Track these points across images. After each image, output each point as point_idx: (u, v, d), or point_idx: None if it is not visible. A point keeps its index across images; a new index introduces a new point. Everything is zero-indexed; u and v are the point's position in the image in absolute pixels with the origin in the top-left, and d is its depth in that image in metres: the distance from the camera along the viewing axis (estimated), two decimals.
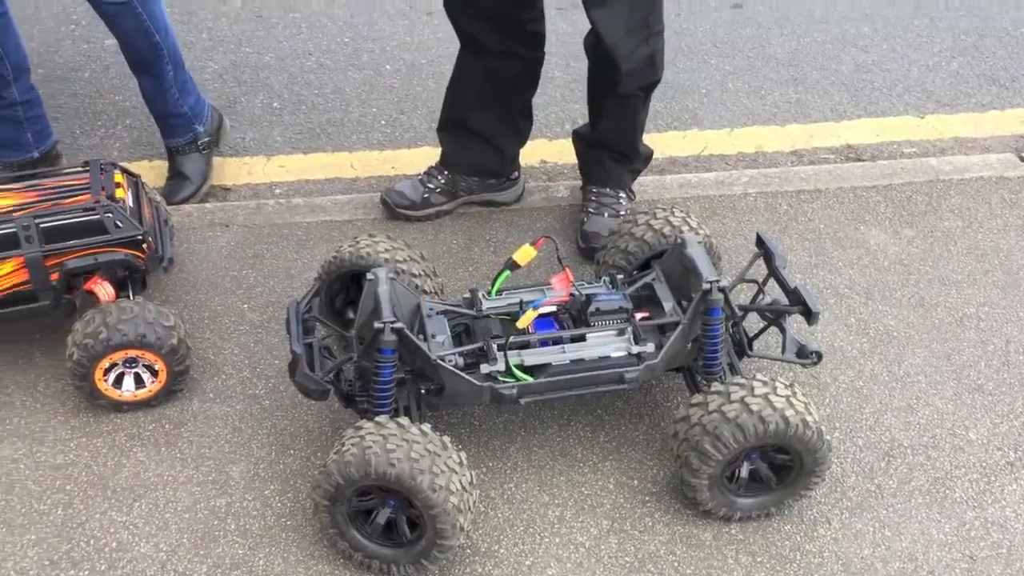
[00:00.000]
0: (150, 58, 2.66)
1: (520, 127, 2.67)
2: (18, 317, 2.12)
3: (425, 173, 2.72)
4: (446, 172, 2.70)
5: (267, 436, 2.11)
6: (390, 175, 3.03)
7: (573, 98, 3.33)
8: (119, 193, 2.13)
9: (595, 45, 2.40)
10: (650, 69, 2.44)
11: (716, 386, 1.87)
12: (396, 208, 2.67)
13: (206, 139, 2.89)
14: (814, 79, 3.47)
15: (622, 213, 2.61)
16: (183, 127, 2.83)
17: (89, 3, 2.59)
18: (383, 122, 3.26)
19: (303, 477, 2.02)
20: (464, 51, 2.55)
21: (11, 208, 2.06)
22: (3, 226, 2.02)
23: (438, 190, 2.69)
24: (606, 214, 2.59)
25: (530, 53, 2.52)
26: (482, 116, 2.60)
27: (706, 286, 1.89)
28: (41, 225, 2.03)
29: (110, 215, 2.07)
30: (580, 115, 2.72)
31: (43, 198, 2.10)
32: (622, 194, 2.64)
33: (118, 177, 2.18)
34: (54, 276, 2.06)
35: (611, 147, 2.60)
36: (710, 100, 3.37)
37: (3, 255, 2.02)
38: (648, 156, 2.68)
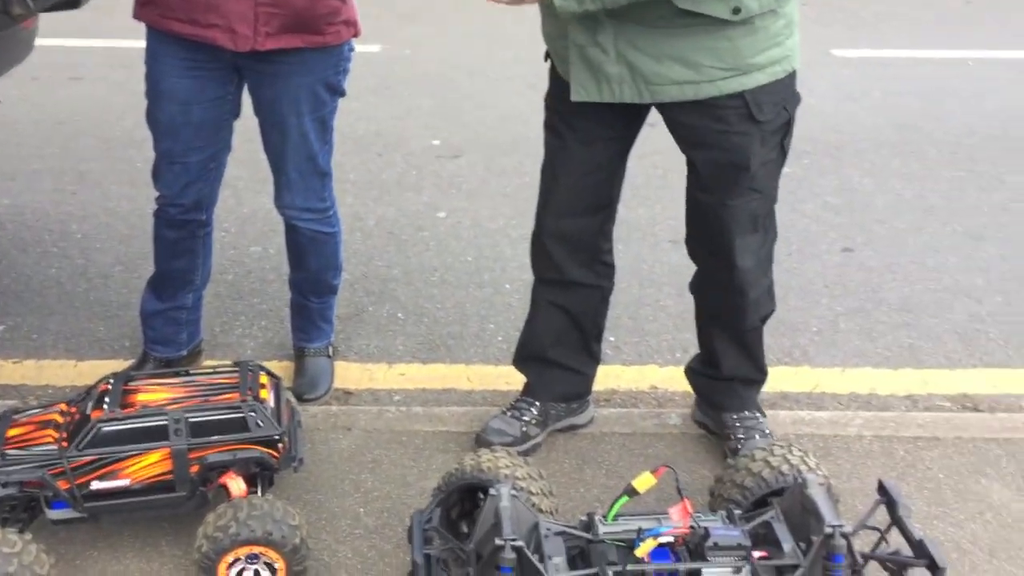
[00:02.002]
0: (332, 279, 2.95)
1: (595, 351, 2.78)
2: (153, 507, 2.22)
3: (514, 408, 2.75)
4: (536, 403, 2.74)
5: None
6: (503, 389, 3.12)
7: (684, 327, 3.42)
8: (263, 394, 2.27)
9: (717, 279, 2.53)
10: (770, 300, 2.60)
11: None
12: (499, 443, 2.60)
13: (334, 345, 3.12)
14: (927, 326, 3.50)
15: (767, 432, 2.65)
16: (326, 334, 3.05)
17: (289, 228, 2.84)
18: (500, 338, 3.40)
19: None
20: (541, 286, 2.68)
21: (166, 402, 2.21)
22: (156, 419, 2.16)
23: (532, 422, 2.72)
24: (757, 436, 2.63)
25: (607, 283, 2.68)
26: (561, 348, 2.70)
27: (829, 530, 1.88)
28: (190, 420, 2.17)
29: (253, 414, 2.20)
30: (692, 343, 2.80)
31: (195, 394, 2.25)
32: (759, 415, 2.70)
33: (263, 378, 2.32)
34: (194, 468, 2.18)
35: (741, 377, 2.69)
36: (821, 339, 3.43)
37: (152, 446, 2.15)
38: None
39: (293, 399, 2.50)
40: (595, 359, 2.79)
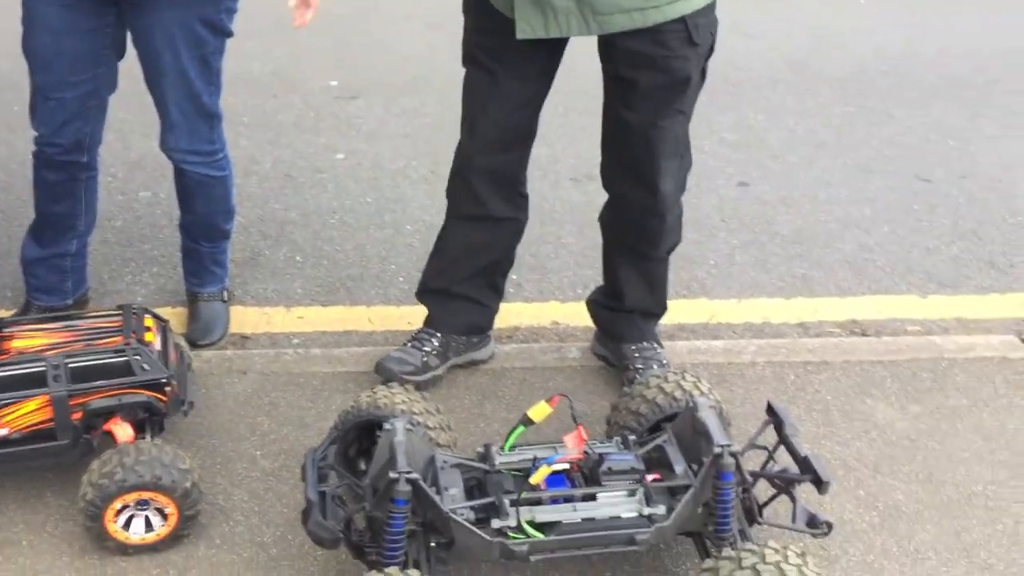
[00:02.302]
0: (223, 224, 2.86)
1: (500, 285, 2.78)
2: (36, 456, 2.14)
3: (415, 339, 2.74)
4: (437, 334, 2.73)
5: None
6: (405, 330, 3.10)
7: (586, 263, 3.45)
8: (148, 337, 2.20)
9: (638, 205, 2.53)
10: (679, 229, 2.65)
11: (727, 552, 1.87)
12: (402, 375, 2.60)
13: (229, 290, 3.05)
14: (818, 256, 3.59)
15: (664, 362, 2.69)
16: (219, 279, 2.98)
17: (178, 172, 2.74)
18: (401, 279, 3.37)
19: None
20: (458, 222, 2.64)
21: (44, 347, 2.12)
22: (34, 365, 2.08)
23: (433, 352, 2.70)
24: (654, 365, 2.67)
25: (524, 215, 2.68)
26: (468, 282, 2.70)
27: (718, 450, 1.92)
28: (70, 365, 2.09)
29: (138, 357, 2.13)
30: (593, 280, 2.82)
31: (77, 339, 2.16)
32: (656, 346, 2.74)
33: (148, 321, 2.25)
34: (77, 415, 2.10)
35: (642, 309, 2.71)
36: (718, 271, 3.49)
37: (30, 393, 2.06)
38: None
39: (183, 342, 2.43)
40: (499, 293, 2.79)
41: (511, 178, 2.59)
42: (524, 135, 2.54)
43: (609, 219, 2.68)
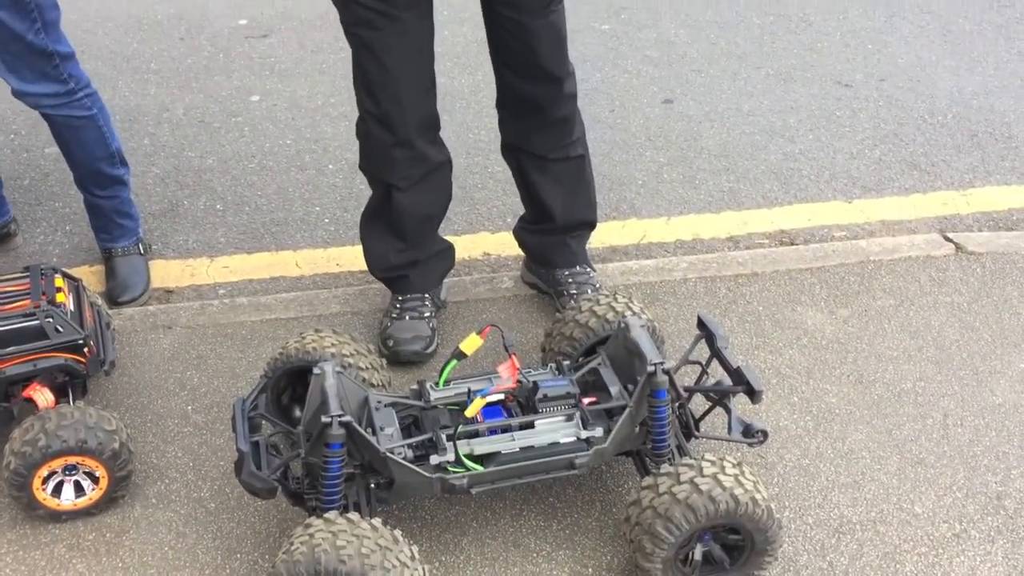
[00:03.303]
0: (109, 168, 2.72)
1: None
2: None
3: (408, 308, 2.61)
4: (426, 295, 2.64)
5: (213, 540, 2.06)
6: (335, 272, 3.05)
7: (512, 191, 3.38)
8: (60, 297, 2.11)
9: (545, 99, 2.42)
10: (577, 111, 2.51)
11: (666, 467, 1.88)
12: (425, 353, 2.54)
13: (146, 241, 2.94)
14: (745, 168, 3.60)
15: (598, 286, 2.67)
16: (130, 231, 2.86)
17: (44, 117, 2.62)
18: (327, 220, 3.29)
19: None
20: (398, 193, 2.46)
21: None
22: None
23: (433, 315, 2.62)
24: (588, 290, 2.64)
25: (448, 154, 2.54)
26: (429, 240, 2.60)
27: (651, 368, 1.92)
28: None
29: (50, 320, 2.04)
30: (520, 206, 2.77)
31: None
32: (589, 270, 2.71)
33: (59, 281, 2.16)
34: None
35: (572, 223, 2.65)
36: (646, 191, 3.47)
37: None
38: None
39: (99, 300, 2.35)
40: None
41: (434, 121, 2.46)
42: (433, 74, 2.39)
43: (514, 135, 2.55)
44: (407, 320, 2.59)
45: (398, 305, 2.62)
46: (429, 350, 2.56)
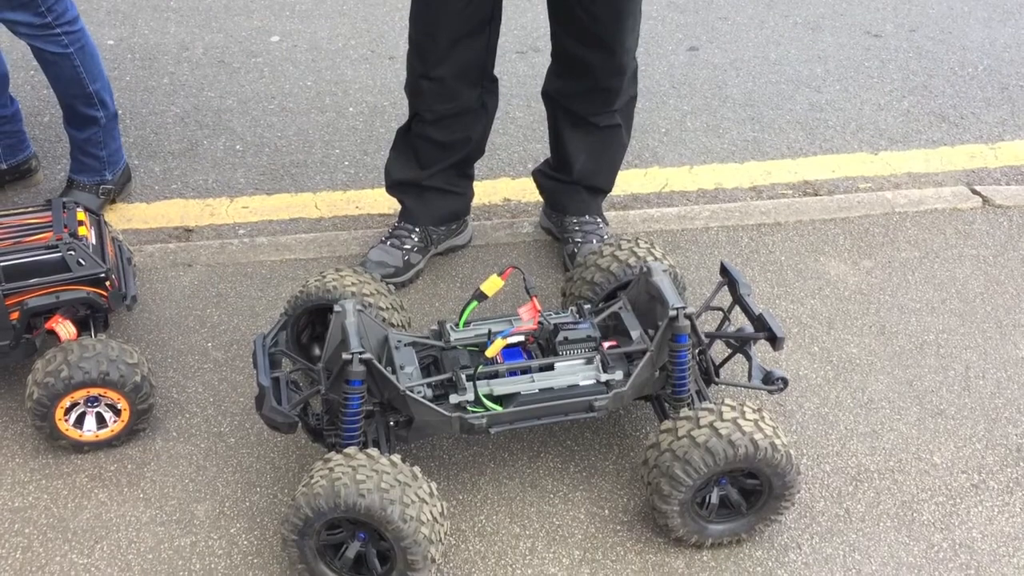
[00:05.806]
0: (83, 108, 2.70)
1: (472, 172, 2.68)
2: None
3: (393, 236, 2.63)
4: (416, 228, 2.64)
5: (232, 474, 2.08)
6: (354, 214, 3.03)
7: (535, 137, 3.38)
8: (82, 231, 2.11)
9: (588, 76, 2.42)
10: (636, 84, 2.53)
11: (685, 412, 1.88)
12: (384, 278, 2.47)
13: (109, 187, 2.88)
14: (770, 118, 3.55)
15: (606, 237, 2.65)
16: (92, 170, 2.84)
17: (31, 49, 2.60)
18: (347, 163, 3.28)
19: (270, 515, 1.99)
20: (423, 124, 2.47)
21: None
22: None
23: (414, 249, 2.61)
24: (594, 240, 2.62)
25: (494, 101, 2.54)
26: (441, 175, 2.59)
27: (672, 313, 1.91)
28: (1, 264, 2.01)
29: (72, 252, 2.05)
30: (543, 153, 2.75)
31: (4, 236, 2.07)
32: (600, 220, 2.68)
33: (80, 215, 2.16)
34: (14, 315, 2.03)
35: (588, 184, 2.64)
36: (670, 139, 3.43)
37: None
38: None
39: (120, 235, 2.34)
40: (471, 179, 2.69)
41: (479, 62, 2.41)
42: (492, 11, 2.35)
43: (558, 90, 2.55)
44: (386, 246, 2.62)
45: (389, 231, 2.66)
46: (390, 277, 2.52)
